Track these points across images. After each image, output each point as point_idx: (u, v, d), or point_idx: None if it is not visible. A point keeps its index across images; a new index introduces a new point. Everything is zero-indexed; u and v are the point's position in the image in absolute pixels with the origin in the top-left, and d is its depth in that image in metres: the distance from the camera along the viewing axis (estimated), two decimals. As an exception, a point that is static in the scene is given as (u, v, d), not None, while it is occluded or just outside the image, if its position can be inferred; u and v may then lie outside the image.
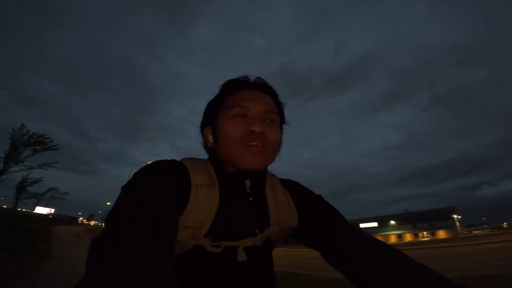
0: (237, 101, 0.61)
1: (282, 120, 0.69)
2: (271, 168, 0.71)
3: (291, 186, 0.72)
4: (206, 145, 0.68)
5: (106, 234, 0.42)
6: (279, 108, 0.68)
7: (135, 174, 0.52)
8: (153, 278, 0.37)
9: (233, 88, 0.64)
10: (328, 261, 0.64)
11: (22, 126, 17.70)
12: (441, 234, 51.68)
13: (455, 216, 58.20)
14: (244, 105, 0.60)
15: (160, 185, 0.49)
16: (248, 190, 0.61)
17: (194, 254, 0.54)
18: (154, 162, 0.55)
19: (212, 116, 0.65)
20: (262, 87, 0.66)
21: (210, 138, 0.64)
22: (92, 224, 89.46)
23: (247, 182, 0.61)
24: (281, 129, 0.68)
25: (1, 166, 17.47)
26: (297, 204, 0.68)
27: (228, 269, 0.56)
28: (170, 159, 0.59)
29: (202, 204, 0.54)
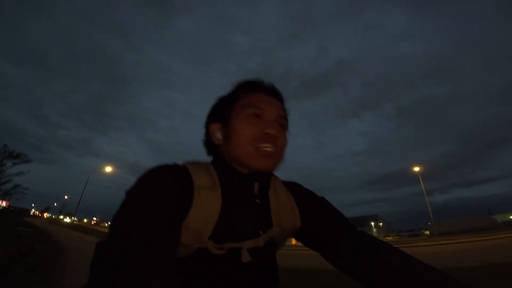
0: (253, 102, 0.62)
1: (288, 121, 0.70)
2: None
3: (294, 188, 0.73)
4: (208, 142, 0.68)
5: (110, 238, 0.43)
6: (286, 116, 0.69)
7: (139, 178, 0.53)
8: (156, 282, 0.37)
9: (250, 88, 0.66)
10: (332, 262, 0.63)
11: (5, 146, 23.74)
12: None
13: (372, 223, 70.81)
14: (261, 106, 0.61)
15: (163, 188, 0.50)
16: (256, 193, 0.63)
17: (198, 256, 0.55)
18: (157, 166, 0.56)
19: (223, 113, 0.65)
20: (275, 92, 0.68)
21: (218, 135, 0.64)
22: (46, 216, 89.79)
23: (256, 184, 0.62)
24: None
25: None
26: (299, 206, 0.69)
27: (232, 271, 0.56)
28: (172, 163, 0.59)
29: (205, 206, 0.54)
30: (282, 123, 0.64)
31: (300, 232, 0.68)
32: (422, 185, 32.22)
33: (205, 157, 0.69)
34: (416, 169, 33.07)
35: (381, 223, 77.76)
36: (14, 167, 24.74)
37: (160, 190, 0.50)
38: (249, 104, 0.61)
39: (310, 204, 0.69)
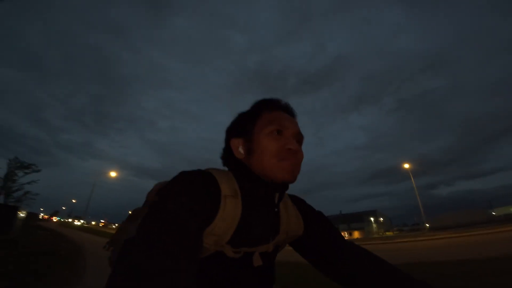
0: (276, 119, 0.66)
1: None
2: None
3: (298, 201, 0.80)
4: (228, 155, 0.71)
5: (138, 238, 0.45)
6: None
7: (171, 182, 0.55)
8: None
9: (270, 106, 0.71)
10: (324, 272, 0.69)
11: (16, 157, 25.92)
12: (356, 234, 64.22)
13: (372, 218, 71.68)
14: (282, 123, 0.66)
15: (193, 195, 0.52)
16: (276, 202, 0.66)
17: (214, 259, 0.57)
18: (187, 172, 0.58)
19: (245, 128, 0.68)
20: (292, 111, 0.74)
21: (241, 149, 0.67)
22: (55, 220, 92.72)
23: (277, 194, 0.66)
24: None
25: (1, 183, 25.54)
26: (303, 216, 0.75)
27: (243, 273, 0.60)
28: (198, 170, 0.61)
29: (229, 214, 0.57)
30: (299, 139, 0.69)
31: (300, 240, 0.75)
32: (413, 181, 32.80)
33: (207, 156, 1.19)
34: (406, 166, 33.76)
35: (381, 219, 78.39)
36: (25, 176, 26.93)
37: (189, 197, 0.52)
38: (271, 121, 0.66)
39: (310, 217, 0.76)
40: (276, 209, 0.67)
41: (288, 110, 0.73)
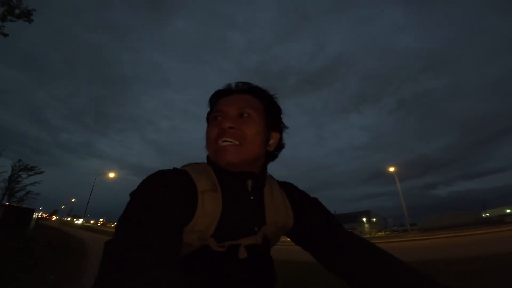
0: (215, 107, 0.67)
1: (273, 113, 0.70)
2: (271, 169, 0.73)
3: (288, 188, 0.75)
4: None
5: (117, 239, 0.44)
6: (266, 103, 0.69)
7: (143, 181, 0.54)
8: (162, 284, 0.39)
9: (215, 98, 0.70)
10: (322, 262, 0.66)
11: (20, 160, 27.59)
12: None
13: (364, 219, 73.47)
14: (219, 108, 0.65)
15: (167, 191, 0.52)
16: (249, 189, 0.64)
17: (199, 253, 0.57)
18: (160, 170, 0.58)
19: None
20: (238, 89, 0.69)
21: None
22: (54, 218, 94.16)
23: (249, 182, 0.64)
24: (272, 121, 0.69)
25: (6, 184, 27.16)
26: (293, 205, 0.71)
27: (231, 267, 0.58)
28: (172, 168, 0.61)
29: (209, 209, 0.56)
30: (245, 113, 0.64)
31: (293, 231, 0.71)
32: (398, 185, 34.02)
33: (203, 156, 0.70)
34: (392, 169, 34.88)
35: (375, 219, 79.95)
36: (29, 177, 28.55)
37: (164, 193, 0.51)
38: (213, 111, 0.67)
39: (303, 204, 0.72)
40: (251, 197, 0.65)
41: (235, 91, 0.70)
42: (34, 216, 12.84)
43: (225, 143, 0.60)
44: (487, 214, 61.90)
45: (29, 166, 28.07)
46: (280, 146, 0.72)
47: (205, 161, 0.68)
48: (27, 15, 8.03)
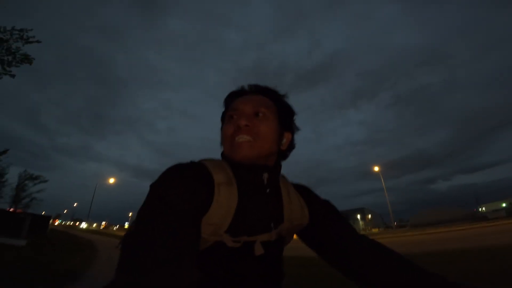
0: (231, 107, 0.70)
1: (285, 113, 0.73)
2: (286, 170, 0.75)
3: (302, 189, 0.78)
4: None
5: (136, 232, 0.46)
6: (278, 103, 0.72)
7: (162, 174, 0.55)
8: (179, 280, 0.40)
9: (230, 98, 0.74)
10: (332, 263, 0.66)
11: (25, 170, 30.25)
12: None
13: (359, 216, 75.37)
14: (235, 107, 0.68)
15: (186, 185, 0.52)
16: (265, 182, 0.65)
17: (214, 249, 0.57)
18: (178, 164, 0.59)
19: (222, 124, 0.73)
20: (252, 90, 0.73)
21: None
22: (56, 223, 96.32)
23: (265, 175, 0.65)
24: (284, 121, 0.71)
25: (14, 192, 29.53)
26: (308, 205, 0.73)
27: (245, 263, 0.59)
28: (190, 161, 0.62)
29: (224, 202, 0.57)
30: (259, 112, 0.66)
31: (306, 230, 0.72)
32: (383, 183, 35.48)
33: (207, 156, 0.72)
34: (376, 169, 36.27)
35: (369, 215, 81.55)
36: (34, 186, 30.91)
37: (183, 187, 0.52)
38: (228, 111, 0.70)
39: (317, 205, 0.74)
40: (267, 190, 0.66)
41: (249, 91, 0.73)
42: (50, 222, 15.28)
43: (240, 139, 0.62)
44: (483, 209, 62.70)
45: (34, 176, 30.45)
46: (291, 146, 0.74)
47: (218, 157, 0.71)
48: (29, 60, 9.89)
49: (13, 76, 9.85)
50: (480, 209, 63.83)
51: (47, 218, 13.49)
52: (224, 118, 0.72)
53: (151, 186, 0.53)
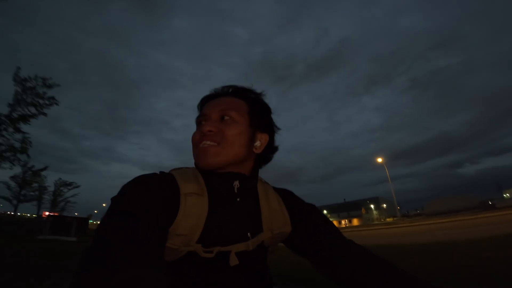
0: (200, 112, 0.67)
1: (259, 113, 0.68)
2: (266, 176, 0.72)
3: (285, 194, 0.74)
4: None
5: (96, 244, 0.42)
6: (251, 103, 0.68)
7: (124, 186, 0.53)
8: (143, 283, 0.36)
9: (200, 104, 0.71)
10: (320, 269, 0.65)
11: (59, 178, 34.70)
12: (355, 222, 67.78)
13: (372, 205, 75.55)
14: (203, 112, 0.66)
15: (148, 195, 0.51)
16: (236, 191, 0.63)
17: (187, 260, 0.55)
18: (142, 175, 0.57)
19: None
20: (223, 93, 0.70)
21: None
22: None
23: (236, 183, 0.63)
24: (258, 122, 0.67)
25: (52, 197, 33.95)
26: (290, 212, 0.70)
27: (221, 274, 0.57)
28: (158, 172, 0.60)
29: (192, 212, 0.55)
30: (225, 115, 0.64)
31: (290, 238, 0.70)
32: (388, 173, 35.87)
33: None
34: (380, 160, 36.40)
35: (385, 205, 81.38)
36: (69, 191, 35.29)
37: (145, 197, 0.50)
38: (198, 117, 0.67)
39: (301, 211, 0.71)
40: (238, 199, 0.63)
41: (218, 94, 0.70)
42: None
43: (204, 145, 0.61)
44: (507, 195, 61.12)
45: (67, 182, 34.69)
46: (270, 148, 0.69)
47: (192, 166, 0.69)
48: (55, 101, 12.49)
49: (45, 114, 12.86)
50: (504, 195, 61.76)
51: (86, 220, 16.73)
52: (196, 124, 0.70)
53: (112, 199, 0.51)
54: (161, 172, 0.61)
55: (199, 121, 0.66)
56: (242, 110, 0.66)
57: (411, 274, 0.55)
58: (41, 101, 12.43)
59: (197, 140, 0.63)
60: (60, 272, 4.03)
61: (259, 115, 0.68)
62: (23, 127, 12.49)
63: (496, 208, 36.99)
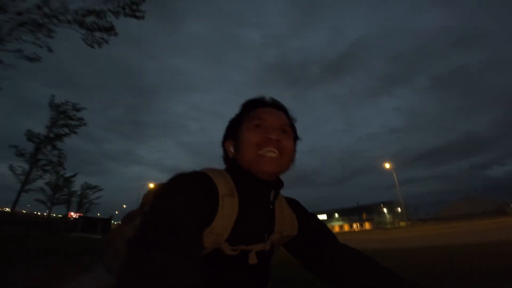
0: (256, 115, 0.70)
1: (295, 135, 0.76)
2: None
3: (293, 203, 0.82)
4: (226, 158, 0.75)
5: (140, 239, 0.45)
6: (291, 123, 0.76)
7: (167, 183, 0.56)
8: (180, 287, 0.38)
9: (252, 106, 0.74)
10: (318, 274, 0.70)
11: (85, 182, 38.42)
12: (367, 225, 67.23)
13: (385, 209, 74.62)
14: (262, 117, 0.68)
15: (190, 196, 0.53)
16: (271, 199, 0.69)
17: (211, 257, 0.59)
18: (183, 173, 0.60)
19: (234, 131, 0.73)
20: (276, 104, 0.76)
21: (231, 148, 0.72)
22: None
23: (272, 192, 0.69)
24: (295, 142, 0.74)
25: (79, 199, 37.64)
26: (298, 218, 0.77)
27: (238, 272, 0.62)
28: (193, 171, 0.63)
29: (227, 212, 0.59)
30: (285, 129, 0.70)
31: (293, 242, 0.76)
32: (396, 178, 35.82)
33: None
34: (387, 165, 35.71)
35: (399, 208, 79.57)
36: (93, 194, 39.00)
37: (186, 199, 0.52)
38: (252, 117, 0.70)
39: (305, 219, 0.79)
40: (271, 206, 0.69)
41: (272, 105, 0.75)
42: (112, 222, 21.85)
43: (270, 154, 0.64)
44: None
45: (92, 186, 38.42)
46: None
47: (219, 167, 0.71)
48: (83, 122, 15.42)
49: (76, 133, 15.52)
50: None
51: (109, 220, 19.26)
52: (241, 123, 0.72)
53: (156, 194, 0.55)
54: (197, 171, 0.64)
55: (256, 124, 0.69)
56: (290, 128, 0.74)
57: (403, 277, 0.60)
58: (72, 122, 15.27)
59: (257, 143, 0.66)
60: (94, 255, 6.24)
61: (296, 130, 0.78)
62: (58, 144, 15.42)
63: (506, 214, 36.31)
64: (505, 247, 4.36)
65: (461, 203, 63.45)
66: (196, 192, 0.55)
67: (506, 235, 6.79)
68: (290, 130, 0.72)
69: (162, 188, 0.56)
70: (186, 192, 0.54)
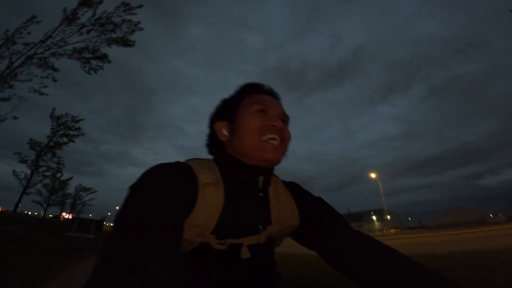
0: (258, 100, 0.67)
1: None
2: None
3: (293, 187, 0.75)
4: (212, 141, 0.70)
5: (114, 234, 0.43)
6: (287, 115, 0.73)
7: (143, 174, 0.53)
8: (160, 280, 0.37)
9: (252, 90, 0.71)
10: (329, 261, 0.64)
11: (80, 184, 39.40)
12: None
13: (374, 217, 76.57)
14: (267, 104, 0.66)
15: (167, 185, 0.51)
16: (260, 186, 0.64)
17: (200, 251, 0.55)
18: (161, 164, 0.56)
19: (229, 111, 0.68)
20: (275, 95, 0.74)
21: (224, 131, 0.66)
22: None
23: (261, 178, 0.63)
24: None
25: (72, 200, 38.65)
26: (298, 205, 0.70)
27: (232, 266, 0.57)
28: (175, 161, 0.60)
29: (209, 202, 0.55)
30: (285, 119, 0.68)
31: (298, 231, 0.70)
32: (381, 187, 37.28)
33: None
34: (373, 175, 36.31)
35: (389, 216, 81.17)
36: (87, 196, 40.09)
37: (164, 187, 0.50)
38: (255, 102, 0.66)
39: (308, 204, 0.71)
40: (260, 194, 0.64)
41: (271, 93, 0.73)
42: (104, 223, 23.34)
43: (273, 142, 0.61)
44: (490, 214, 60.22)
45: (86, 188, 39.50)
46: None
47: (206, 157, 0.68)
48: (81, 132, 17.23)
49: (74, 142, 16.98)
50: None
51: (101, 222, 20.48)
52: (238, 106, 0.68)
53: (131, 187, 0.51)
54: (178, 162, 0.60)
55: (259, 109, 0.65)
56: (287, 118, 0.72)
57: (419, 263, 0.54)
58: (71, 132, 16.73)
59: (259, 128, 0.63)
60: (88, 251, 7.85)
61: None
62: (58, 152, 16.91)
63: (487, 224, 37.90)
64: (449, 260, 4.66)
65: (448, 212, 65.32)
66: (172, 181, 0.52)
67: (466, 246, 7.51)
68: (288, 121, 0.71)
69: (137, 179, 0.52)
70: (161, 182, 0.51)
